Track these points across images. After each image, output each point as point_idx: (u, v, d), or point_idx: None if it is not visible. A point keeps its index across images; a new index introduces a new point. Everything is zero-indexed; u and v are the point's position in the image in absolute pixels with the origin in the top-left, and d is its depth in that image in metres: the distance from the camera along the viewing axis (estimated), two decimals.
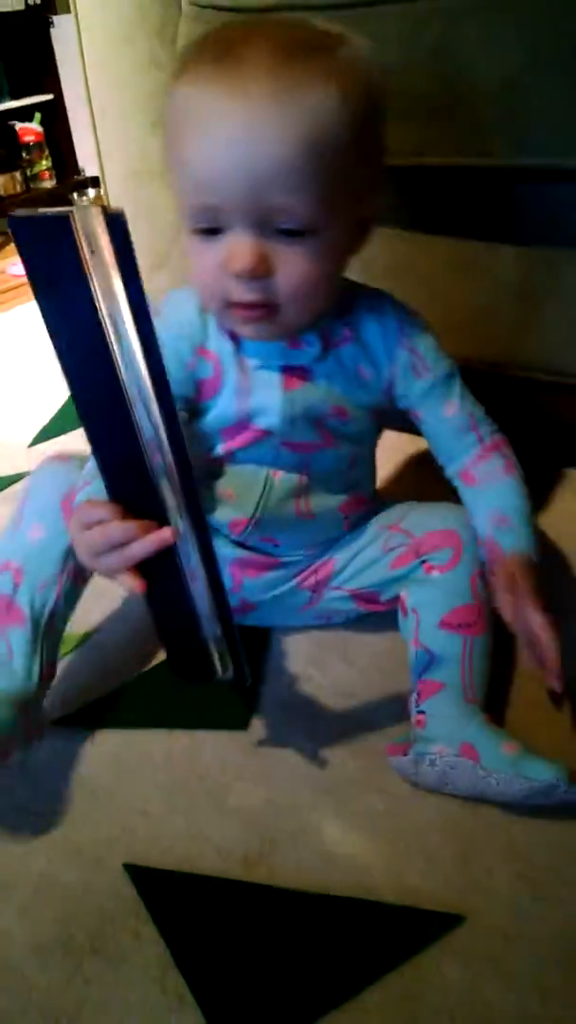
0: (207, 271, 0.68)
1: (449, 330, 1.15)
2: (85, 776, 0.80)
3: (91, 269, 0.47)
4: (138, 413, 0.53)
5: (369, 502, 0.89)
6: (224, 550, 0.86)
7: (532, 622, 0.70)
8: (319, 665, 0.90)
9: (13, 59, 3.08)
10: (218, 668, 0.67)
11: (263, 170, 0.61)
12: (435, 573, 0.81)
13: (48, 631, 0.80)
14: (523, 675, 0.85)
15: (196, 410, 0.79)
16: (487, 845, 0.70)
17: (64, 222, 0.45)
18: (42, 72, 3.09)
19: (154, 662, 0.93)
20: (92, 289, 0.48)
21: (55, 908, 0.69)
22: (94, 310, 0.48)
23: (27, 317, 2.09)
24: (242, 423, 0.78)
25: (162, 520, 0.58)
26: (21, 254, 0.47)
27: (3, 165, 3.07)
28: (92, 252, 0.46)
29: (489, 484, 0.81)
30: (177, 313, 0.77)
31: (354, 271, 1.20)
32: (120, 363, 0.51)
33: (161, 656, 0.93)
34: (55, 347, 0.51)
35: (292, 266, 0.66)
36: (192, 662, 0.67)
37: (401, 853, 0.70)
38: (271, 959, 0.64)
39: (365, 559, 0.86)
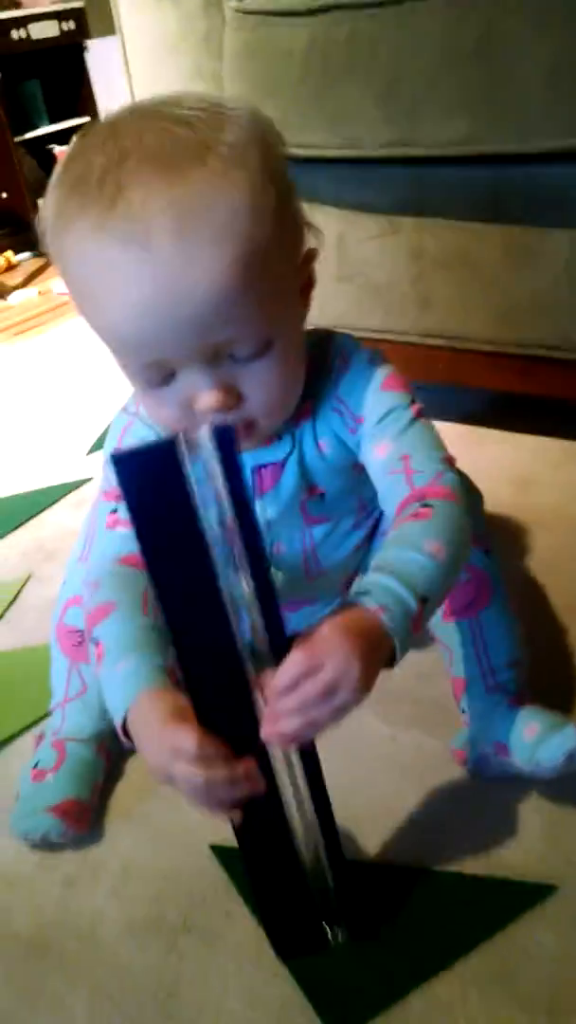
0: (171, 415, 0.62)
1: (505, 316, 1.16)
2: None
3: (194, 486, 0.46)
4: (241, 627, 0.49)
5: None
6: None
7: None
8: None
9: (50, 84, 3.15)
10: (327, 930, 0.63)
11: (201, 316, 0.55)
12: None
13: None
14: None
15: None
16: (573, 816, 0.70)
17: (169, 447, 0.45)
18: (78, 96, 3.16)
19: None
20: (196, 507, 0.46)
21: (145, 889, 0.70)
22: (199, 533, 0.47)
23: (76, 332, 2.13)
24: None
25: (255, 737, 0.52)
26: (124, 490, 0.45)
27: (43, 188, 3.13)
28: (194, 466, 0.45)
29: (386, 539, 0.65)
30: (153, 415, 0.68)
31: (402, 262, 1.22)
32: (223, 583, 0.48)
33: None
34: (152, 573, 0.48)
35: (261, 384, 0.61)
36: (295, 926, 0.63)
37: (487, 827, 0.70)
38: (365, 932, 0.64)
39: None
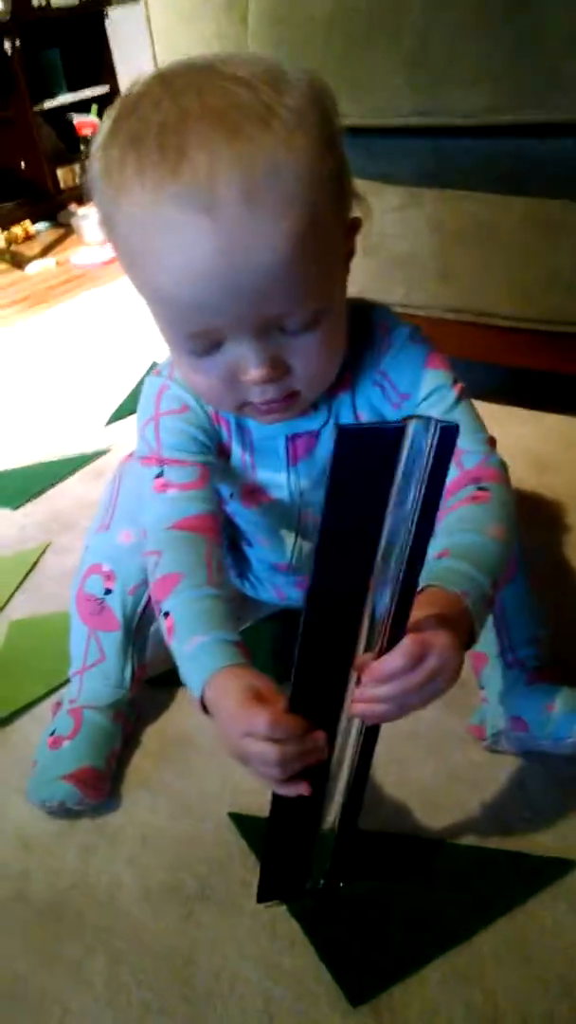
0: (216, 384, 0.62)
1: (526, 291, 1.15)
2: (184, 731, 0.81)
3: (398, 478, 0.46)
4: (378, 609, 0.50)
5: None
6: (280, 576, 0.86)
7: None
8: None
9: (70, 53, 3.12)
10: (313, 878, 0.65)
11: (260, 287, 0.54)
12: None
13: (138, 633, 0.82)
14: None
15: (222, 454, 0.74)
16: None
17: (397, 435, 0.45)
18: (98, 65, 3.13)
19: (248, 622, 0.94)
20: (390, 496, 0.46)
21: (163, 857, 0.71)
22: (380, 519, 0.47)
23: (93, 303, 2.12)
24: (252, 490, 0.76)
25: (334, 715, 0.55)
26: (335, 462, 0.44)
27: (62, 158, 3.12)
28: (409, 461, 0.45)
29: (446, 520, 0.64)
30: (180, 398, 0.70)
31: (423, 234, 1.20)
32: (377, 568, 0.49)
33: (255, 617, 0.94)
34: (320, 543, 0.48)
35: (308, 356, 0.60)
36: (285, 875, 0.65)
37: (506, 802, 0.70)
38: (384, 903, 0.64)
39: None
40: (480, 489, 0.63)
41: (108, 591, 0.81)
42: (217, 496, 0.73)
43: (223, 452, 0.73)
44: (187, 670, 0.60)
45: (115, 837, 0.73)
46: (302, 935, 0.63)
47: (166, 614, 0.64)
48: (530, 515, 1.06)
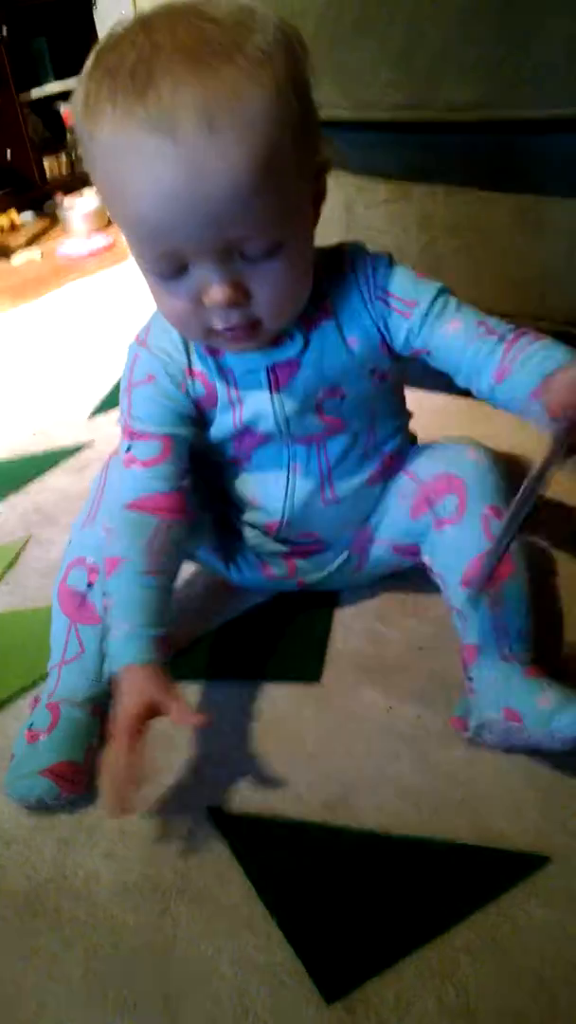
0: (181, 308, 0.66)
1: (516, 288, 1.15)
2: (162, 725, 0.81)
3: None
4: None
5: (397, 457, 0.84)
6: (270, 546, 0.86)
7: None
8: (388, 620, 0.90)
9: (57, 42, 3.09)
10: None
11: (220, 210, 0.58)
12: (446, 527, 0.78)
13: None
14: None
15: (202, 422, 0.78)
16: (570, 788, 0.70)
17: None
18: (85, 54, 3.06)
19: (229, 616, 0.94)
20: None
21: (140, 851, 0.71)
22: None
23: (79, 294, 2.11)
24: (241, 432, 0.78)
25: None
26: None
27: (48, 147, 3.10)
28: None
29: (523, 356, 0.69)
30: (161, 339, 0.76)
31: (412, 229, 1.20)
32: None
33: (236, 611, 0.94)
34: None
35: (268, 284, 0.64)
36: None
37: (483, 798, 0.71)
38: (359, 898, 0.65)
39: (387, 506, 0.85)
40: (534, 338, 0.70)
41: (91, 584, 0.81)
42: (183, 471, 0.78)
43: (206, 404, 0.77)
44: (111, 651, 0.71)
45: (93, 830, 0.73)
46: (278, 930, 0.63)
47: (106, 594, 0.74)
48: None
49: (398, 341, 0.75)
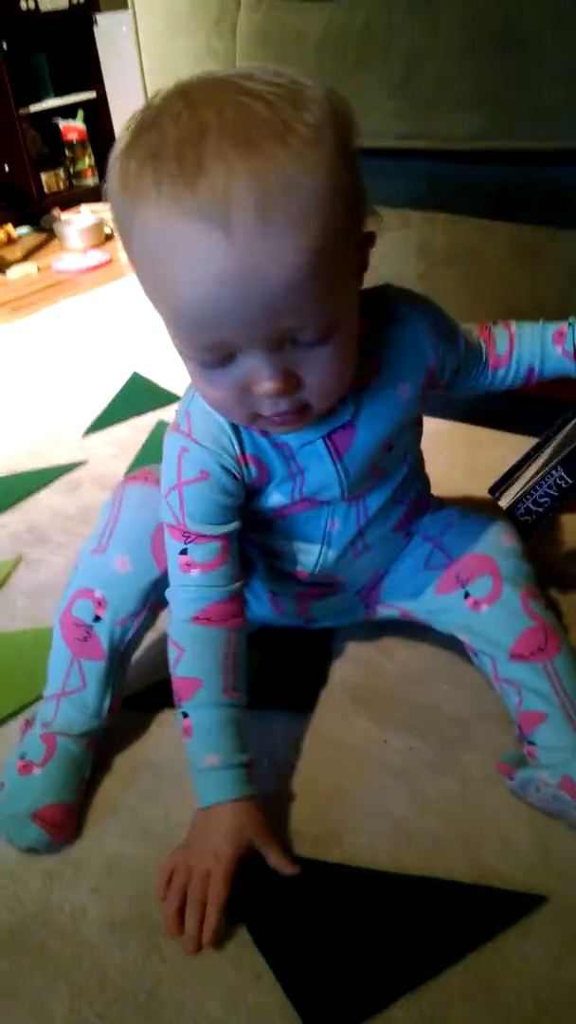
0: (228, 396, 0.62)
1: (511, 317, 1.15)
2: (153, 757, 0.80)
3: None
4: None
5: (422, 502, 0.85)
6: (291, 585, 0.84)
7: None
8: (384, 650, 0.90)
9: (57, 57, 3.10)
10: None
11: (274, 302, 0.55)
12: (484, 608, 0.77)
13: (122, 664, 0.80)
14: None
15: (251, 494, 0.75)
16: (565, 830, 0.69)
17: None
18: (85, 70, 3.12)
19: None
20: None
21: (128, 886, 0.69)
22: None
23: (74, 311, 2.11)
24: (298, 502, 0.75)
25: None
26: None
27: (47, 162, 3.10)
28: None
29: (517, 336, 0.81)
30: (208, 429, 0.70)
31: (412, 256, 1.20)
32: None
33: None
34: None
35: (319, 371, 0.61)
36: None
37: (478, 836, 0.70)
38: (351, 938, 0.64)
39: (409, 574, 0.84)
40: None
41: (97, 618, 0.79)
42: (239, 565, 0.75)
43: (259, 482, 0.73)
44: (198, 782, 0.70)
45: (80, 864, 0.71)
46: (268, 970, 0.62)
47: (184, 714, 0.71)
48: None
49: (446, 375, 0.77)
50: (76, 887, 0.70)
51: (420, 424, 0.82)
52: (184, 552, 0.73)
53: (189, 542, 0.72)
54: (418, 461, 0.84)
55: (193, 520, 0.72)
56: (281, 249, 0.53)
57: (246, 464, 0.71)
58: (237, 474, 0.71)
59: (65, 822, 0.73)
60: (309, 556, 0.79)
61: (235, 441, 0.70)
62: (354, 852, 0.70)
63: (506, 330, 0.81)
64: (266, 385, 0.59)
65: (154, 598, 0.79)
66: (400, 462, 0.78)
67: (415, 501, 0.83)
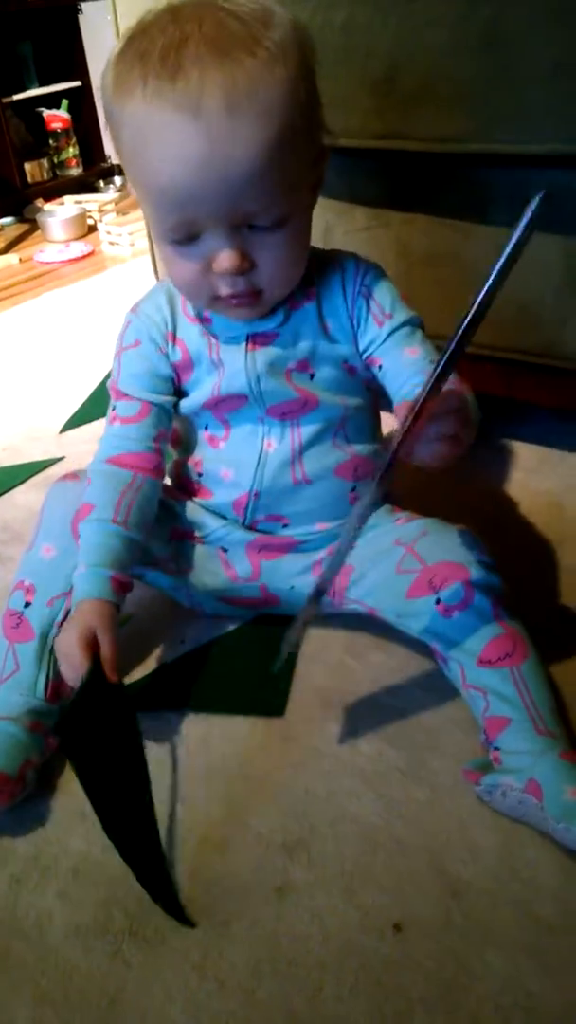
0: (190, 273, 0.73)
1: (489, 320, 1.14)
2: None
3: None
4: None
5: (369, 464, 0.87)
6: (236, 533, 0.88)
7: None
8: (355, 654, 0.90)
9: (41, 46, 3.08)
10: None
11: (236, 184, 0.65)
12: (455, 614, 0.78)
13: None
14: None
15: (179, 392, 0.86)
16: (530, 837, 0.69)
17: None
18: (70, 59, 3.10)
19: (191, 646, 0.93)
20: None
21: (94, 891, 0.69)
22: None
23: (56, 303, 2.09)
24: (217, 395, 0.83)
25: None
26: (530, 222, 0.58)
27: (30, 152, 3.08)
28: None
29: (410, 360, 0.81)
30: (150, 305, 0.85)
31: (391, 257, 1.19)
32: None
33: (199, 641, 0.93)
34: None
35: (271, 256, 0.72)
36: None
37: (443, 843, 0.70)
38: None
39: (380, 575, 0.84)
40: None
41: (27, 604, 0.83)
42: (157, 436, 0.85)
43: (185, 369, 0.84)
44: (74, 588, 0.78)
45: (47, 869, 0.71)
46: (232, 975, 0.62)
47: (78, 536, 0.81)
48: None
49: (362, 342, 0.82)
50: (43, 892, 0.70)
51: (374, 411, 0.90)
52: (114, 408, 0.86)
53: (119, 400, 0.86)
54: (367, 431, 0.90)
55: (124, 382, 0.85)
56: (244, 138, 0.64)
57: (173, 343, 0.84)
58: (162, 348, 0.84)
59: (3, 787, 0.73)
60: (247, 470, 0.86)
61: (168, 320, 0.84)
62: (321, 859, 0.70)
63: (419, 351, 0.81)
64: (223, 260, 0.70)
65: None
66: (332, 399, 0.84)
67: (363, 459, 0.88)
